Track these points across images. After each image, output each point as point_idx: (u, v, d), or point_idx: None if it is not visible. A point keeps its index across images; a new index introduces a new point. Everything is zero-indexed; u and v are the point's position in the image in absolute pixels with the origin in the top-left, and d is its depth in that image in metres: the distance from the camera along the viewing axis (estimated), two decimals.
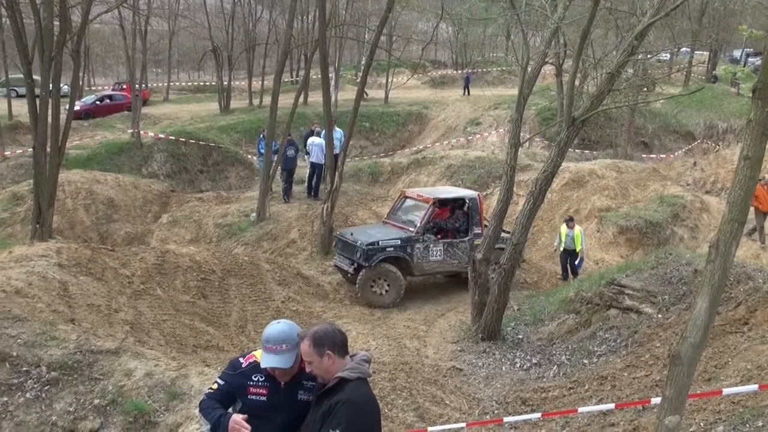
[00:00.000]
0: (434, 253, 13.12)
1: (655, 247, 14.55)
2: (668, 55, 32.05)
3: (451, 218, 13.76)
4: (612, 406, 6.98)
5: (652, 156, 27.05)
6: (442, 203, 13.95)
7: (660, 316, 8.92)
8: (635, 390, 7.59)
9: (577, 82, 10.48)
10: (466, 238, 13.32)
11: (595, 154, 25.76)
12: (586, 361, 8.91)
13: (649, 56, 13.30)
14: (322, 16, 16.64)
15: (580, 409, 7.00)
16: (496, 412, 8.03)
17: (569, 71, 10.69)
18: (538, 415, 7.27)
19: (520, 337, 10.27)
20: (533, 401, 8.22)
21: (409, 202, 13.98)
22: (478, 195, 13.77)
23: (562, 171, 18.76)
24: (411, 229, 13.14)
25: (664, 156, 27.16)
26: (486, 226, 13.80)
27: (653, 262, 10.23)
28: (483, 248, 10.75)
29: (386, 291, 12.79)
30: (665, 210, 17.21)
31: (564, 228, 14.49)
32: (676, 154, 27.62)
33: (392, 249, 12.81)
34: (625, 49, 8.78)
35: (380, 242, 12.78)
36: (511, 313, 11.00)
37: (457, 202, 13.90)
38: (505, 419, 7.32)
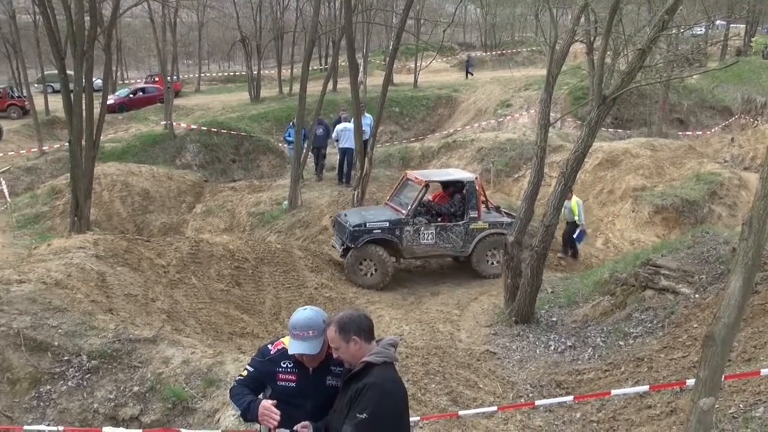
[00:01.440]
0: (425, 236, 12.95)
1: (692, 226, 14.29)
2: (702, 29, 31.29)
3: (449, 202, 13.52)
4: (647, 388, 6.90)
5: (687, 133, 26.50)
6: (440, 186, 13.94)
7: (697, 296, 8.77)
8: (672, 372, 7.49)
9: (608, 60, 10.29)
10: (461, 222, 13.05)
11: (629, 133, 25.33)
12: (621, 343, 8.81)
13: (681, 30, 13.00)
14: (348, 2, 16.59)
15: (614, 392, 6.93)
16: (530, 395, 8.01)
17: (599, 49, 10.51)
18: (571, 398, 7.23)
19: (554, 319, 10.19)
20: (568, 384, 8.17)
21: (408, 185, 13.88)
22: (476, 178, 13.47)
23: (594, 151, 18.52)
24: (403, 211, 13.10)
25: (700, 133, 26.59)
26: (489, 210, 13.74)
27: (690, 241, 10.04)
28: (515, 231, 10.66)
29: (373, 273, 12.81)
30: (702, 188, 16.88)
31: None
32: (712, 130, 27.01)
33: (379, 231, 12.79)
34: (657, 24, 8.59)
35: (367, 224, 12.82)
36: (544, 295, 10.91)
37: (454, 185, 13.61)
38: (538, 402, 7.29)
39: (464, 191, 13.16)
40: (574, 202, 14.11)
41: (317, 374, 3.51)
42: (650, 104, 26.60)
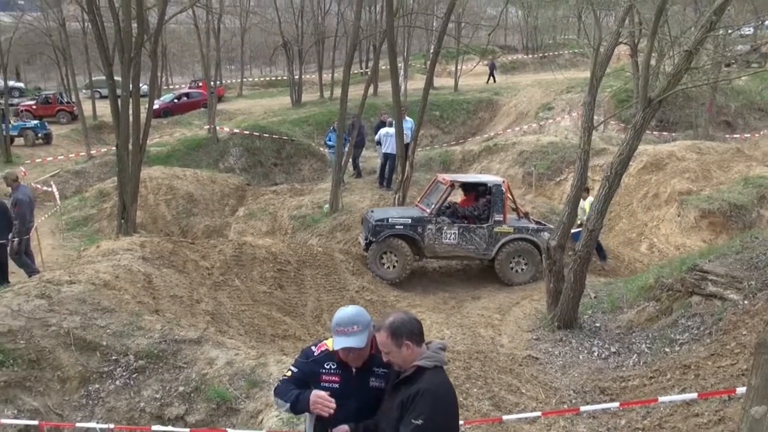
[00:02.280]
0: (448, 236, 12.96)
1: (740, 231, 13.95)
2: (751, 29, 30.55)
3: (474, 204, 13.50)
4: (695, 395, 6.75)
5: (735, 136, 25.86)
6: (463, 187, 14.00)
7: (746, 302, 8.55)
8: (720, 379, 7.32)
9: (653, 62, 10.13)
10: (485, 225, 13.02)
11: (674, 136, 24.83)
12: (667, 350, 8.64)
13: (729, 32, 12.73)
14: (390, 6, 16.64)
15: (661, 399, 6.81)
16: (573, 401, 7.91)
17: (644, 50, 10.35)
18: (616, 404, 7.11)
19: (598, 325, 10.04)
20: (612, 391, 8.04)
21: (438, 187, 13.93)
22: (504, 182, 13.37)
23: (639, 154, 18.21)
24: (428, 210, 13.15)
25: (748, 135, 25.91)
26: (519, 216, 13.60)
27: (738, 246, 9.80)
28: (557, 235, 10.56)
29: (394, 266, 12.96)
30: (751, 192, 16.45)
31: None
32: (761, 132, 26.30)
33: (401, 227, 12.94)
34: (704, 25, 8.42)
35: (390, 219, 13.03)
36: (587, 300, 10.78)
37: (481, 188, 13.63)
38: (582, 408, 7.20)
39: (490, 194, 13.13)
40: (588, 203, 13.93)
41: (361, 375, 3.52)
42: (696, 106, 26.07)
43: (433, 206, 13.13)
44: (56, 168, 23.97)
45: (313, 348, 3.67)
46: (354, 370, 3.52)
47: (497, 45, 51.42)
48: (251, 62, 56.71)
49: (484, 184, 13.53)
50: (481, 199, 13.42)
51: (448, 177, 13.80)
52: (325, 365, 3.55)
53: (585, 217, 13.86)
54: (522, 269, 13.08)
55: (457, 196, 14.51)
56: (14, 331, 7.30)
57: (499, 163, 21.46)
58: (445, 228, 12.97)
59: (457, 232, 12.98)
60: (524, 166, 21.02)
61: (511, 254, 13.03)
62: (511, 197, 13.53)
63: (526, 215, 13.86)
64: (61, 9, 30.52)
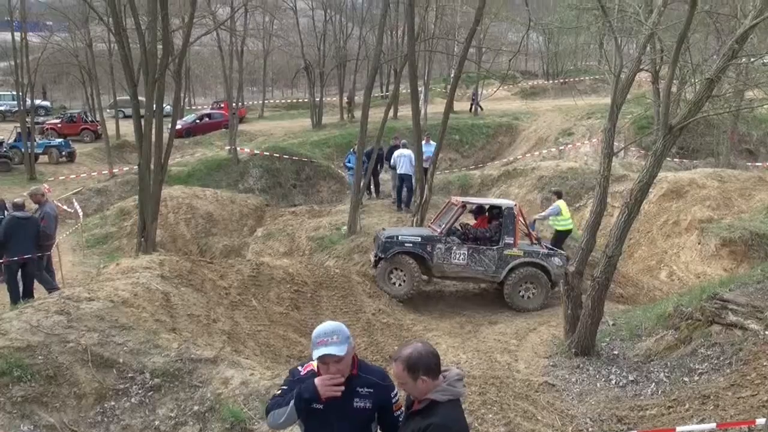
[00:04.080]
0: (457, 256, 12.94)
1: (762, 260, 13.78)
2: None
3: (488, 227, 13.52)
4: (714, 426, 6.65)
5: (758, 164, 25.64)
6: (478, 210, 14.18)
7: (767, 333, 8.44)
8: (740, 411, 7.20)
9: (674, 89, 10.12)
10: (495, 247, 12.99)
11: (695, 163, 24.68)
12: (686, 379, 8.52)
13: (752, 60, 12.69)
14: (411, 31, 16.79)
15: (679, 429, 6.71)
16: (590, 429, 7.81)
17: (665, 78, 10.33)
18: None
19: (616, 352, 9.93)
20: (630, 419, 7.93)
21: (451, 209, 13.99)
22: (516, 205, 13.36)
23: (659, 181, 18.12)
24: (438, 230, 13.19)
25: None
26: (533, 242, 13.55)
27: (759, 275, 9.68)
28: (576, 261, 10.49)
29: (402, 283, 12.97)
30: None
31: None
32: None
33: (410, 245, 12.96)
34: (726, 54, 8.41)
35: (399, 237, 13.12)
36: (606, 327, 10.67)
37: (492, 211, 13.71)
38: None
39: (502, 217, 13.12)
40: (561, 202, 14.44)
41: (344, 396, 3.49)
42: (718, 134, 25.90)
43: (443, 226, 13.16)
44: (79, 186, 24.32)
45: (299, 368, 3.70)
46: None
47: (518, 70, 51.63)
48: (273, 84, 57.32)
49: (497, 207, 13.58)
50: (494, 222, 13.46)
51: (461, 198, 13.92)
52: None
53: (546, 214, 14.72)
54: (531, 296, 12.99)
55: (474, 220, 14.52)
56: (33, 346, 7.36)
57: (518, 188, 21.43)
58: (454, 248, 12.97)
59: (466, 252, 12.97)
60: (543, 192, 20.97)
61: (521, 280, 12.95)
62: (523, 221, 13.51)
63: (539, 240, 13.81)
64: (89, 30, 31.13)
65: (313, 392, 3.41)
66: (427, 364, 3.29)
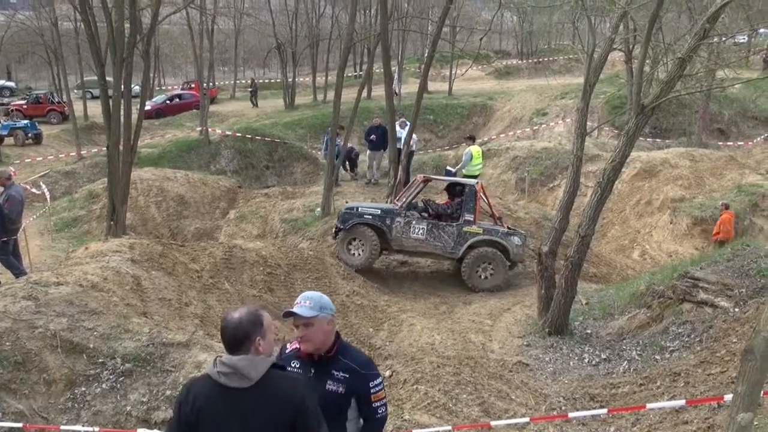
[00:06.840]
0: (416, 230, 13.02)
1: (732, 239, 13.98)
2: (745, 38, 30.69)
3: (450, 204, 13.63)
4: (683, 402, 6.73)
5: (729, 143, 25.98)
6: (447, 189, 14.25)
7: (737, 310, 8.55)
8: (710, 387, 7.31)
9: (646, 68, 10.12)
10: (454, 224, 13.04)
11: (668, 143, 24.94)
12: (657, 357, 8.63)
13: (723, 39, 12.76)
14: (384, 9, 16.64)
15: (649, 405, 6.78)
16: (563, 408, 7.87)
17: (638, 57, 10.35)
18: (605, 411, 7.08)
19: (589, 331, 10.02)
20: (602, 397, 8.01)
21: (414, 184, 14.13)
22: (478, 183, 13.40)
23: (632, 160, 18.26)
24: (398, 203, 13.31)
25: (742, 143, 26.04)
26: (496, 222, 13.62)
27: (729, 254, 9.80)
28: (549, 241, 10.53)
29: (360, 253, 13.12)
30: (743, 200, 16.52)
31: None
32: (755, 140, 26.44)
33: (369, 217, 13.10)
34: (697, 33, 8.42)
35: (359, 208, 13.34)
36: (579, 307, 10.75)
37: (455, 188, 13.75)
38: (572, 415, 7.16)
39: (463, 194, 13.16)
40: (475, 150, 14.98)
41: (317, 377, 3.48)
42: (690, 114, 26.18)
43: (404, 200, 13.21)
44: (46, 168, 23.83)
45: (288, 345, 3.71)
46: (312, 371, 3.50)
47: (492, 50, 51.54)
48: (245, 64, 56.61)
49: (459, 185, 13.59)
50: (457, 199, 13.51)
51: (424, 176, 14.12)
52: (291, 363, 3.57)
53: (461, 165, 15.02)
54: (488, 276, 13.02)
55: (443, 199, 14.56)
56: (0, 332, 7.22)
57: (493, 169, 21.46)
58: (413, 222, 13.03)
59: (425, 227, 13.02)
60: (517, 172, 21.04)
61: (479, 259, 12.96)
62: (485, 200, 13.52)
63: (500, 219, 13.82)
64: (54, 8, 30.35)
65: (278, 358, 3.43)
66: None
